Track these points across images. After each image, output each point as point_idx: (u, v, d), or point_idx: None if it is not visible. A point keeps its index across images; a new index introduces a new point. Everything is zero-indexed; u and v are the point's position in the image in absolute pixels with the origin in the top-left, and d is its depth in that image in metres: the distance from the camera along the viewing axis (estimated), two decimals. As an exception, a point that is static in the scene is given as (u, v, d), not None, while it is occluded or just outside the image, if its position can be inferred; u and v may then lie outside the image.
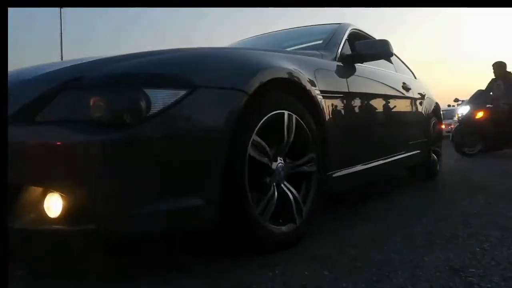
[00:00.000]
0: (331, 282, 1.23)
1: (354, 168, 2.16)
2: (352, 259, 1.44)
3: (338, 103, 2.03)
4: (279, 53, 1.94)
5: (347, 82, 2.15)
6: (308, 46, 2.58)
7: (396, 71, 3.22)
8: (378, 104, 2.53)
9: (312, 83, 1.81)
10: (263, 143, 1.48)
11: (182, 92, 1.26)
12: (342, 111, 2.06)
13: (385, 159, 2.57)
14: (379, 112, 2.55)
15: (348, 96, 2.12)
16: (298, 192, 1.66)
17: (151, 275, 1.37)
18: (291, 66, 1.70)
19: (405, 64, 3.72)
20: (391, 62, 3.14)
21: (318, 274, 1.30)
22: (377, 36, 3.01)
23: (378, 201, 2.55)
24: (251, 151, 1.43)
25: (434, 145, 3.71)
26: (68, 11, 23.29)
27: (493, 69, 6.02)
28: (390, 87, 2.79)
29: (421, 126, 3.35)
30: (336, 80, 2.12)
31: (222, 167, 1.33)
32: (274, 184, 1.56)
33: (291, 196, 1.60)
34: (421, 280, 1.21)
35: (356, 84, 2.22)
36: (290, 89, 1.67)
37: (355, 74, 2.28)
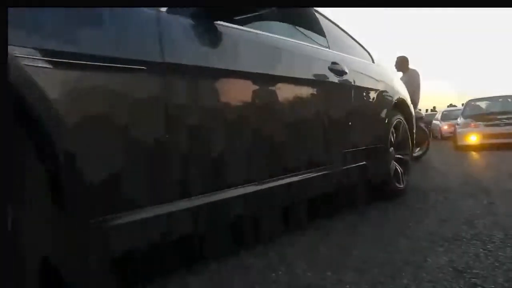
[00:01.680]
0: (334, 283, 1.23)
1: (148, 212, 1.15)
2: (355, 259, 1.44)
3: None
4: None
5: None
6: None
7: (328, 48, 2.17)
8: (254, 90, 1.56)
9: None
10: None
11: None
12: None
13: (262, 183, 1.59)
14: (254, 103, 1.55)
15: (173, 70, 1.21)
16: None
17: (156, 274, 1.37)
18: None
19: (357, 42, 2.69)
20: (323, 34, 2.20)
21: (322, 275, 1.30)
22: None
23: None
24: None
25: (398, 152, 2.75)
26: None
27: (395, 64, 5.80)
28: (300, 66, 1.88)
29: (372, 127, 2.45)
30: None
31: None
32: None
33: None
34: (424, 281, 1.21)
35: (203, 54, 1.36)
36: None
37: (214, 35, 1.41)
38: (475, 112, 8.86)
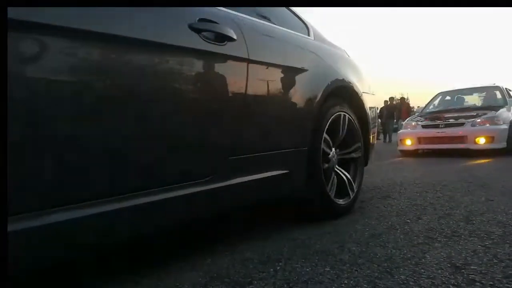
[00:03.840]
0: (332, 279, 1.22)
1: None
2: (354, 255, 1.43)
3: None
4: None
5: None
6: None
7: None
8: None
9: None
10: None
11: None
12: None
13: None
14: None
15: None
16: None
17: (152, 268, 1.37)
18: None
19: (289, 10, 2.17)
20: None
21: (320, 270, 1.29)
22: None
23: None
24: None
25: (344, 156, 2.19)
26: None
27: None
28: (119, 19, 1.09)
29: (289, 122, 1.76)
30: None
31: None
32: None
33: None
34: (422, 277, 1.20)
35: None
36: None
37: None
38: (435, 108, 7.41)
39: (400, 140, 6.69)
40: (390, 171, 4.35)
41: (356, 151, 2.28)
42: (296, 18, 2.19)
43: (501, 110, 6.15)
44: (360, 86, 2.39)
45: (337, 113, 2.07)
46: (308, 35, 2.17)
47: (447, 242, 1.55)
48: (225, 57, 1.43)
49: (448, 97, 7.80)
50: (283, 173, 1.70)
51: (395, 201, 2.48)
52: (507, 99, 6.69)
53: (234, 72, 1.48)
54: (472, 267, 1.27)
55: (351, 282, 1.19)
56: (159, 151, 1.22)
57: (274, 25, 1.86)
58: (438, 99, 7.84)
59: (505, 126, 5.81)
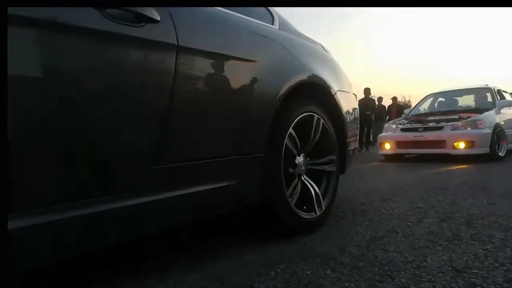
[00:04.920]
0: (333, 282, 1.22)
1: None
2: (354, 258, 1.43)
3: None
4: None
5: None
6: None
7: None
8: None
9: None
10: None
11: None
12: None
13: None
14: None
15: None
16: None
17: (154, 270, 1.37)
18: None
19: None
20: None
21: (320, 273, 1.29)
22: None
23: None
24: None
25: (315, 164, 1.92)
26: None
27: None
28: None
29: (239, 123, 1.48)
30: None
31: None
32: None
33: None
34: (423, 281, 1.20)
35: None
36: None
37: None
38: (422, 111, 7.11)
39: (380, 144, 6.49)
40: (391, 172, 4.33)
41: (330, 164, 2.00)
42: (265, 10, 1.91)
43: (486, 113, 5.81)
44: (336, 84, 2.11)
45: (305, 114, 1.80)
46: (272, 24, 1.88)
47: (448, 246, 1.55)
48: (141, 42, 1.12)
49: (441, 99, 7.43)
50: (228, 185, 1.41)
51: (396, 204, 2.47)
52: (497, 101, 6.35)
53: (156, 61, 1.18)
54: (473, 271, 1.27)
55: (352, 285, 1.19)
56: (43, 161, 0.92)
57: (218, 8, 1.51)
58: (427, 100, 7.55)
59: (488, 131, 5.44)
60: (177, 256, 1.55)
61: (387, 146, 6.24)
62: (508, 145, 5.88)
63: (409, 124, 6.20)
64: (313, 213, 1.82)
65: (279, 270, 1.33)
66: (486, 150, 5.37)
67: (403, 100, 25.35)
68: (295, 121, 1.73)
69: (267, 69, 1.61)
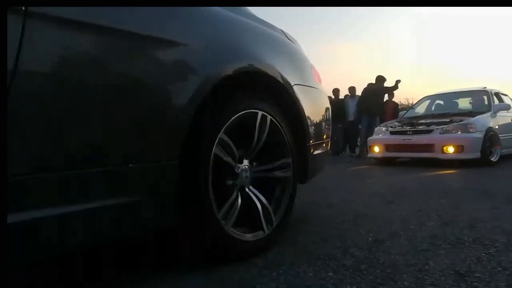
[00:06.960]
0: (335, 284, 1.22)
1: None
2: (357, 260, 1.43)
3: None
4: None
5: None
6: None
7: None
8: None
9: None
10: None
11: None
12: None
13: None
14: None
15: None
16: None
17: (154, 272, 1.38)
18: None
19: None
20: None
21: (323, 275, 1.29)
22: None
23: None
24: None
25: (268, 172, 1.64)
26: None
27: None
28: None
29: (140, 121, 1.09)
30: None
31: None
32: None
33: None
34: (426, 284, 1.20)
35: None
36: None
37: None
38: (416, 113, 6.96)
39: (369, 146, 6.34)
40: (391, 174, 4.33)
41: (283, 169, 1.67)
42: None
43: (479, 116, 5.63)
44: (295, 77, 1.76)
45: (247, 111, 1.47)
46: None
47: (451, 249, 1.55)
48: None
49: (438, 101, 7.24)
50: (123, 203, 1.06)
51: (399, 206, 2.47)
52: (492, 105, 6.16)
53: None
54: (475, 275, 1.26)
55: (354, 287, 1.19)
56: None
57: None
58: (424, 103, 7.37)
59: (479, 135, 5.22)
60: (177, 257, 1.55)
61: (376, 149, 6.10)
62: (503, 151, 5.66)
63: (400, 127, 6.04)
64: (261, 232, 1.52)
65: (281, 272, 1.33)
66: (477, 155, 5.18)
67: (406, 103, 25.17)
68: (231, 119, 1.39)
69: (196, 53, 1.26)
